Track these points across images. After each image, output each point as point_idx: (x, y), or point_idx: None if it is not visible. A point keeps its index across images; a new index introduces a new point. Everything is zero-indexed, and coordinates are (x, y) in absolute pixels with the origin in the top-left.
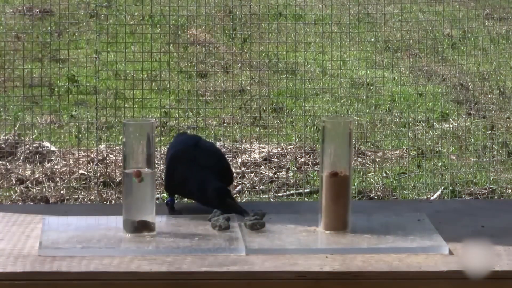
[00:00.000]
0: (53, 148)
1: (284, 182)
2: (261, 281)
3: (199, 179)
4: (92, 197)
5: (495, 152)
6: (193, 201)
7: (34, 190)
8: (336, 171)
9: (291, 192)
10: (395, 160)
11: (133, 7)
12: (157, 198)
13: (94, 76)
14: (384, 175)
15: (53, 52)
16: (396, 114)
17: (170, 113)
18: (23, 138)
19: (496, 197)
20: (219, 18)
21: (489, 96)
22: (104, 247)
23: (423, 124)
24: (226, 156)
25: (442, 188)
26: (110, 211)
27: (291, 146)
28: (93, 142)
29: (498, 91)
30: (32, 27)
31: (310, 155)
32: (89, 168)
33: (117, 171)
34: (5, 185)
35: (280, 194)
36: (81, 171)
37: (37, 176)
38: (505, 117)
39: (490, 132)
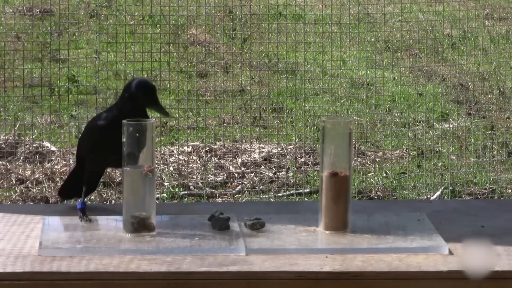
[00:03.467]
0: (53, 148)
1: (284, 182)
2: (260, 281)
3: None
4: (92, 197)
5: (495, 152)
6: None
7: (34, 190)
8: (336, 171)
9: (291, 192)
10: (395, 160)
11: (133, 7)
12: (157, 198)
13: (94, 76)
14: (384, 175)
15: (53, 52)
16: (396, 114)
17: (170, 113)
18: (23, 138)
19: (496, 197)
20: (219, 18)
21: (489, 96)
22: (104, 247)
23: (423, 124)
24: (226, 156)
25: (442, 188)
26: (110, 211)
27: (291, 146)
28: None
29: (498, 91)
30: (32, 27)
31: (310, 155)
32: None
33: (117, 171)
34: (5, 185)
35: (280, 194)
36: None
37: (37, 176)
38: (505, 117)
39: (490, 132)
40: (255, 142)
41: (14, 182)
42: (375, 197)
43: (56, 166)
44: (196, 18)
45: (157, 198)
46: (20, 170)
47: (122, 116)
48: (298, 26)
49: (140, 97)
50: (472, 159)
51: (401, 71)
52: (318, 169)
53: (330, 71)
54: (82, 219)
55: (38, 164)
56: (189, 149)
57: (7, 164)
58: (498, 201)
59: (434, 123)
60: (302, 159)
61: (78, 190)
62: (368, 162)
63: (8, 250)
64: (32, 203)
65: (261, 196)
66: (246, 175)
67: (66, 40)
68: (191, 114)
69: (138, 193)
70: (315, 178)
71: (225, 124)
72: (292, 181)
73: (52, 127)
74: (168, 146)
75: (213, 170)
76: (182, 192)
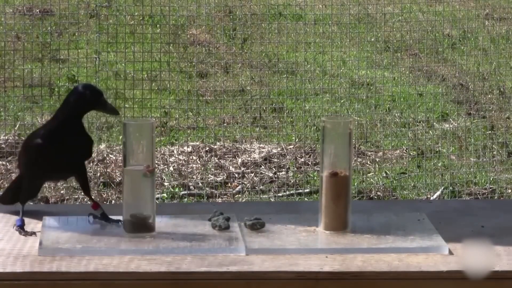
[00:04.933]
0: None
1: (284, 182)
2: (260, 281)
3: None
4: (92, 197)
5: (495, 152)
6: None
7: None
8: (336, 171)
9: (291, 192)
10: (395, 160)
11: (133, 7)
12: (157, 198)
13: (94, 76)
14: (384, 175)
15: (53, 52)
16: (396, 114)
17: (170, 113)
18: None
19: (496, 197)
20: (219, 18)
21: (489, 96)
22: (104, 247)
23: (423, 124)
24: (226, 156)
25: (442, 188)
26: (110, 211)
27: (291, 146)
28: None
29: (498, 91)
30: (32, 27)
31: (310, 155)
32: (89, 168)
33: (117, 171)
34: (5, 185)
35: (280, 194)
36: None
37: None
38: (505, 117)
39: (490, 132)
40: (255, 142)
41: None
42: (375, 197)
43: None
44: (196, 18)
45: (157, 198)
46: None
47: (62, 129)
48: (298, 26)
49: (88, 97)
50: (472, 159)
51: (401, 71)
52: (318, 169)
53: (330, 71)
54: (23, 234)
55: None
56: (189, 149)
57: (7, 164)
58: (498, 201)
59: (434, 123)
60: (302, 159)
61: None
62: (368, 162)
63: (8, 250)
64: (32, 203)
65: (261, 196)
66: (246, 175)
67: (66, 40)
68: (191, 114)
69: (138, 193)
70: (315, 178)
71: (225, 124)
72: (292, 181)
73: None
74: (168, 146)
75: (213, 170)
76: (182, 192)
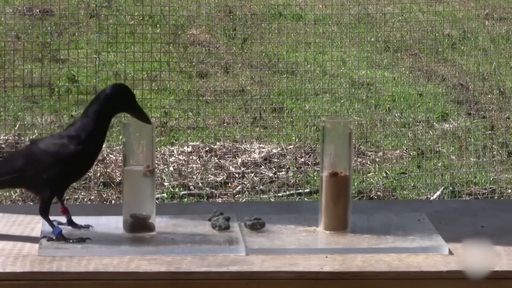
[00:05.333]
0: None
1: (284, 182)
2: (260, 281)
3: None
4: (92, 197)
5: (495, 152)
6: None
7: None
8: (336, 171)
9: (291, 192)
10: (395, 160)
11: (133, 7)
12: (157, 198)
13: (94, 76)
14: (384, 175)
15: (53, 52)
16: (396, 114)
17: (170, 113)
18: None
19: (496, 197)
20: (219, 18)
21: (489, 96)
22: (104, 247)
23: (423, 124)
24: (226, 156)
25: (442, 188)
26: (110, 211)
27: (291, 146)
28: None
29: (498, 91)
30: (32, 27)
31: (310, 155)
32: None
33: (117, 171)
34: None
35: (280, 194)
36: None
37: None
38: (505, 117)
39: (490, 132)
40: (255, 142)
41: None
42: (375, 197)
43: None
44: (196, 18)
45: (157, 198)
46: None
47: (98, 131)
48: (298, 26)
49: (122, 97)
50: (472, 159)
51: (401, 71)
52: (318, 169)
53: (330, 71)
54: (73, 241)
55: None
56: (189, 149)
57: None
58: (498, 201)
59: (434, 123)
60: (302, 159)
61: None
62: (368, 162)
63: (8, 250)
64: (32, 203)
65: (261, 196)
66: (246, 175)
67: (66, 40)
68: (191, 114)
69: (138, 193)
70: (315, 178)
71: (225, 124)
72: (292, 181)
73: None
74: (168, 146)
75: (213, 170)
76: (182, 192)
